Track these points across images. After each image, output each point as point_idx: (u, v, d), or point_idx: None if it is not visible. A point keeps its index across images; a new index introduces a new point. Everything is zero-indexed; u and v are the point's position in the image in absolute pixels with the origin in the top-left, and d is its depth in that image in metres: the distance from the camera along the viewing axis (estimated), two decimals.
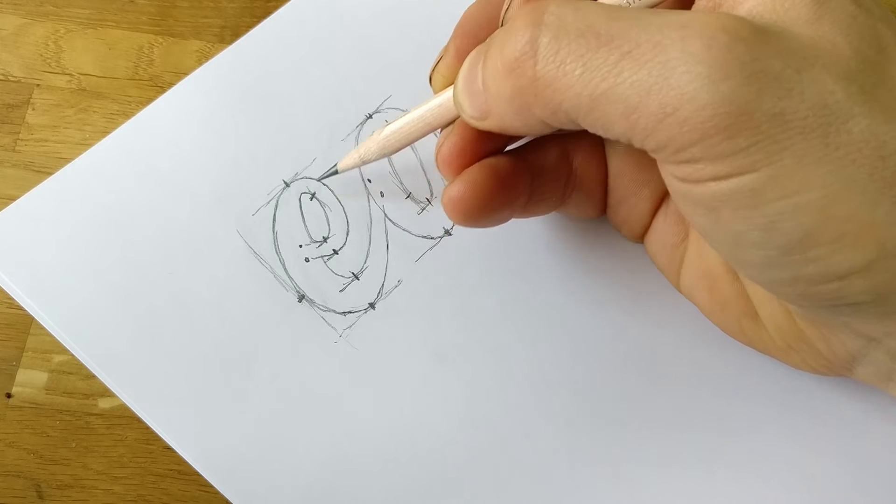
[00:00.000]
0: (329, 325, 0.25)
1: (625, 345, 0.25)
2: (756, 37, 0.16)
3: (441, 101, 0.22)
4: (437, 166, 0.22)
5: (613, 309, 0.26)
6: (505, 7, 0.20)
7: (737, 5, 0.17)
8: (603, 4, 0.18)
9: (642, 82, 0.16)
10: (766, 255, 0.17)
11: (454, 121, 0.22)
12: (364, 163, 0.24)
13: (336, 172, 0.25)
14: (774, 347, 0.22)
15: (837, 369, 0.21)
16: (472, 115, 0.20)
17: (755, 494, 0.24)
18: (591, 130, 0.18)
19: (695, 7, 0.19)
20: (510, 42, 0.18)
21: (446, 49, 0.22)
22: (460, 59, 0.21)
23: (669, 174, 0.18)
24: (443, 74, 0.22)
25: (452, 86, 0.21)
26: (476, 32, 0.21)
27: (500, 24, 0.20)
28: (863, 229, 0.16)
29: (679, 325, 0.25)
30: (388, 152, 0.24)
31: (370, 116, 0.27)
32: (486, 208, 0.21)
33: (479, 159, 0.22)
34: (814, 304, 0.19)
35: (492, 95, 0.19)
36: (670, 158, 0.17)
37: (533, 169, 0.23)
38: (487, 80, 0.19)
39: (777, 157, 0.16)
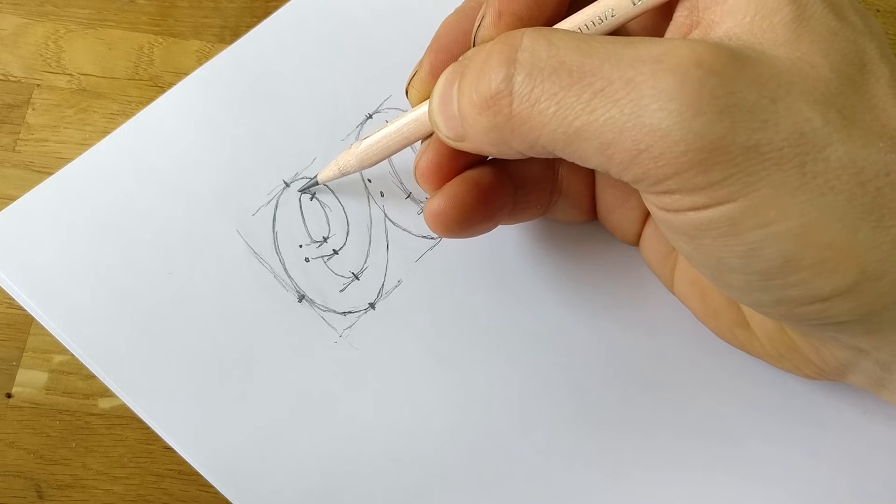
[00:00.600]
0: (329, 325, 0.25)
1: (624, 346, 0.25)
2: (730, 67, 0.16)
3: (417, 116, 0.22)
4: (416, 180, 0.22)
5: (613, 309, 0.26)
6: (476, 24, 0.20)
7: (714, 25, 0.17)
8: (576, 36, 0.17)
9: (615, 120, 0.16)
10: (748, 280, 0.17)
11: (432, 134, 0.22)
12: (343, 174, 0.24)
13: (316, 184, 0.26)
14: (767, 354, 0.22)
15: (829, 376, 0.22)
16: (447, 136, 0.20)
17: (754, 497, 0.24)
18: (569, 160, 0.18)
19: (672, 25, 0.19)
20: (485, 78, 0.18)
21: (421, 64, 0.22)
22: (434, 74, 0.21)
23: (650, 203, 0.18)
24: (417, 90, 0.22)
25: (428, 101, 0.21)
26: (450, 47, 0.21)
27: (472, 41, 0.20)
28: (843, 254, 0.16)
29: (678, 327, 0.25)
30: (367, 165, 0.24)
31: (370, 116, 0.27)
32: (467, 221, 0.21)
33: (458, 172, 0.22)
34: (799, 323, 0.19)
35: (468, 125, 0.19)
36: (648, 189, 0.17)
37: (516, 179, 0.22)
38: (463, 110, 0.19)
39: (753, 187, 0.16)
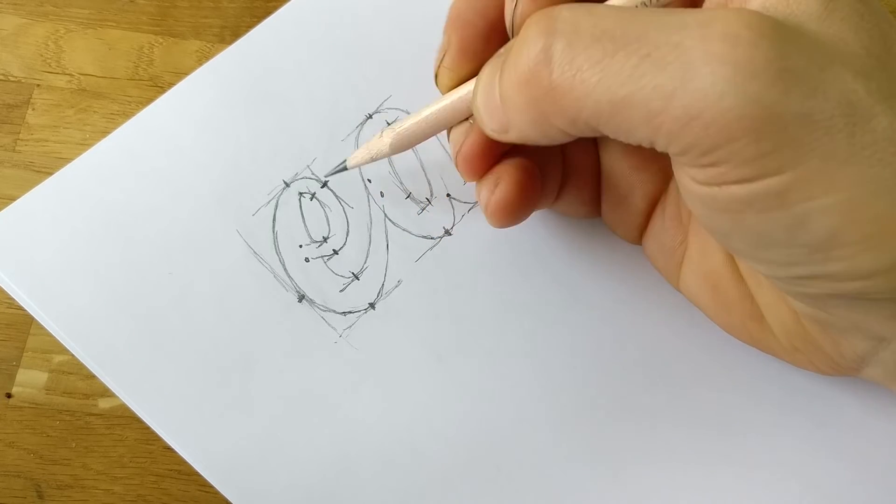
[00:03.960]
0: (329, 325, 0.25)
1: (625, 344, 0.25)
2: (779, 33, 0.15)
3: (451, 102, 0.21)
4: (457, 165, 0.22)
5: (614, 308, 0.26)
6: (510, 6, 0.20)
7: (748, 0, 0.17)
8: (616, 7, 0.17)
9: (664, 86, 0.15)
10: (790, 255, 0.17)
11: (463, 120, 0.22)
12: (373, 159, 0.24)
13: (345, 169, 0.25)
14: (780, 349, 0.22)
15: (844, 370, 0.21)
16: (492, 128, 0.20)
17: (755, 493, 0.24)
18: (612, 136, 0.17)
19: (706, 5, 0.18)
20: (524, 52, 0.17)
21: (447, 44, 0.21)
22: (464, 51, 0.21)
23: (689, 177, 0.17)
24: (450, 69, 0.21)
25: (459, 87, 0.21)
26: (475, 21, 0.21)
27: (507, 24, 0.20)
28: (888, 230, 0.15)
29: (678, 325, 0.25)
30: (398, 150, 0.23)
31: (370, 116, 0.27)
32: (526, 205, 0.22)
33: (498, 158, 0.22)
34: (831, 301, 0.19)
35: (509, 108, 0.18)
36: (694, 162, 0.16)
37: (538, 163, 0.22)
38: (505, 93, 0.18)
39: (804, 158, 0.15)
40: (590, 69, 0.16)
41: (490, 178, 0.22)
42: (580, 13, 0.17)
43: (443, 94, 0.22)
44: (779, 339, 0.22)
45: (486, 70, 0.20)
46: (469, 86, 0.21)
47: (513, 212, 0.21)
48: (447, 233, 0.26)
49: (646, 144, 0.17)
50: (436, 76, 0.22)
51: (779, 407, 0.25)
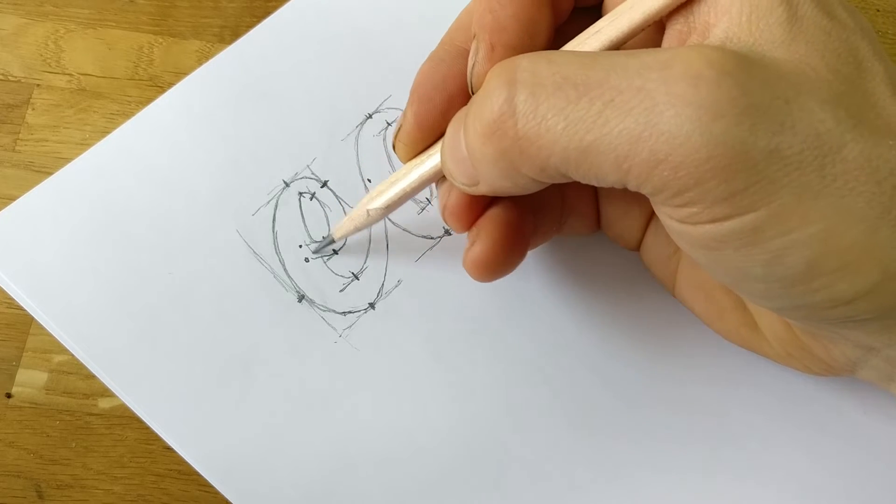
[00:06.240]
0: (329, 325, 0.25)
1: (624, 347, 0.25)
2: (741, 68, 0.15)
3: (420, 175, 0.21)
4: (445, 220, 0.22)
5: (614, 310, 0.26)
6: (471, 62, 0.20)
7: (709, 28, 0.17)
8: (575, 52, 0.17)
9: (630, 130, 0.15)
10: (769, 289, 0.17)
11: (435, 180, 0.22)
12: (358, 230, 0.24)
13: (332, 241, 0.25)
14: (774, 353, 0.22)
15: (838, 372, 0.21)
16: (462, 182, 0.20)
17: (753, 498, 0.24)
18: (583, 182, 0.17)
19: (667, 35, 0.18)
20: (486, 104, 0.17)
21: (404, 116, 0.21)
22: (420, 126, 0.21)
23: (666, 215, 0.17)
24: (405, 143, 0.22)
25: (417, 158, 0.21)
26: (431, 95, 0.21)
27: (468, 79, 0.20)
28: (864, 255, 0.16)
29: (677, 329, 0.25)
30: (381, 219, 0.23)
31: (370, 116, 0.27)
32: (507, 261, 0.21)
33: (485, 207, 0.21)
34: (818, 324, 0.19)
35: (477, 161, 0.18)
36: (666, 202, 0.16)
37: (532, 207, 0.22)
38: (470, 146, 0.18)
39: (776, 195, 0.15)
40: (554, 117, 0.16)
41: (471, 234, 0.21)
42: (540, 61, 0.17)
43: (403, 163, 0.22)
44: (772, 344, 0.22)
45: (452, 125, 0.19)
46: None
47: (492, 269, 0.21)
48: (447, 233, 0.26)
49: (618, 186, 0.17)
50: (393, 146, 0.22)
51: (777, 412, 0.25)
